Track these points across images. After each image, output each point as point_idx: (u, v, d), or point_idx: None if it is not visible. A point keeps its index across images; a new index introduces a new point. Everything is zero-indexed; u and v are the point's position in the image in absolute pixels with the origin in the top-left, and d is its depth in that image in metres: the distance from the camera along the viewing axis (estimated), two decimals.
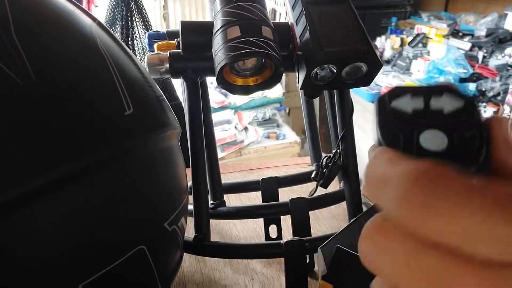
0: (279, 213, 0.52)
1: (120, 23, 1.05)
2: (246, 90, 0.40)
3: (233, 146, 2.10)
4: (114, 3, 1.05)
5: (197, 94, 0.45)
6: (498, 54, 2.57)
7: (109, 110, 0.30)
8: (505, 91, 2.37)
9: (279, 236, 0.54)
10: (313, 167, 0.59)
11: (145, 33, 1.06)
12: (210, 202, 0.51)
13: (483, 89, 2.51)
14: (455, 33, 2.90)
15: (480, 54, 2.66)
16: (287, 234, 0.55)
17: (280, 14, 2.25)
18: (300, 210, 0.48)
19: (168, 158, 0.37)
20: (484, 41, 2.68)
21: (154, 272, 0.33)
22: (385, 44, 3.13)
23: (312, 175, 0.50)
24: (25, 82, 0.26)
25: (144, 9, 1.08)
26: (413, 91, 0.17)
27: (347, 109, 0.46)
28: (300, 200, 0.48)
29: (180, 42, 0.42)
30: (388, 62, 3.04)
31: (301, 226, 0.48)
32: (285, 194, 0.61)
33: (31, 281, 0.26)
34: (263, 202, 0.55)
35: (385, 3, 3.31)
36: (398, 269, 0.13)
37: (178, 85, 0.83)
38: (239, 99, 2.30)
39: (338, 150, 0.46)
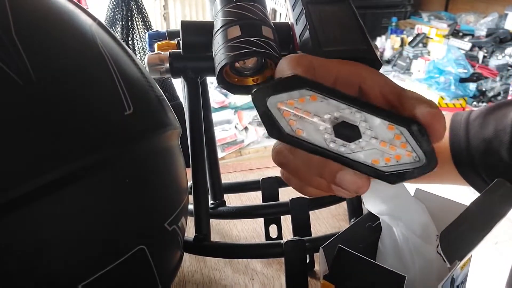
0: (280, 213, 0.52)
1: (120, 23, 1.05)
2: (246, 90, 0.40)
3: (233, 146, 2.10)
4: (115, 2, 1.05)
5: (198, 94, 0.45)
6: (499, 54, 2.57)
7: (109, 110, 0.30)
8: (506, 91, 2.37)
9: (279, 236, 0.54)
10: None
11: (145, 33, 1.06)
12: (210, 202, 0.51)
13: (484, 89, 2.51)
14: (455, 33, 2.90)
15: (481, 54, 2.66)
16: (287, 234, 0.55)
17: (280, 14, 2.25)
18: (300, 210, 0.48)
19: (168, 158, 0.37)
20: (485, 41, 2.68)
21: (154, 272, 0.33)
22: (385, 44, 3.13)
23: None
24: (25, 82, 0.26)
25: (145, 9, 1.08)
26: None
27: None
28: (300, 200, 0.48)
29: (180, 42, 0.42)
30: (388, 62, 3.04)
31: (302, 226, 0.48)
32: (285, 194, 0.61)
33: (30, 281, 0.26)
34: (263, 202, 0.55)
35: (385, 3, 3.31)
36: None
37: (178, 85, 0.82)
38: (239, 99, 2.30)
39: None
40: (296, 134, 0.22)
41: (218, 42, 0.38)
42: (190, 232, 0.45)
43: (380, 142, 0.21)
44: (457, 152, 0.45)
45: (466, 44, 2.69)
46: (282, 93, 0.21)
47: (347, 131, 0.21)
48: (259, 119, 0.22)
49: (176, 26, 2.50)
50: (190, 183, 0.47)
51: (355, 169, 0.22)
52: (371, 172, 0.22)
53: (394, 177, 0.22)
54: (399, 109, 0.23)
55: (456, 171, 0.46)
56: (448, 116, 0.48)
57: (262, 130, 2.22)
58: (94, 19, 0.35)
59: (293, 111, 0.22)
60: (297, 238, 0.43)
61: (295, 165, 0.25)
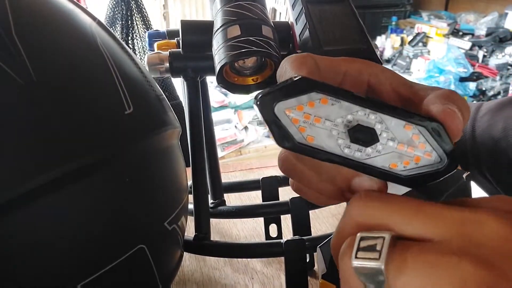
0: (279, 213, 0.52)
1: (120, 22, 1.05)
2: (246, 89, 0.40)
3: (233, 145, 2.10)
4: (114, 2, 1.05)
5: (197, 93, 0.45)
6: (498, 53, 2.57)
7: (109, 109, 0.30)
8: (505, 90, 2.37)
9: (279, 235, 0.54)
10: None
11: (145, 32, 1.06)
12: (210, 201, 0.51)
13: (483, 88, 2.51)
14: (455, 32, 2.90)
15: (480, 53, 2.66)
16: (287, 234, 0.55)
17: (280, 13, 2.25)
18: (300, 210, 0.48)
19: (168, 157, 0.37)
20: (484, 40, 2.68)
21: (154, 271, 0.33)
22: (385, 43, 3.12)
23: None
24: (26, 81, 0.26)
25: (144, 8, 1.08)
26: None
27: None
28: (300, 199, 0.48)
29: (180, 41, 0.42)
30: (388, 61, 3.03)
31: (301, 225, 0.48)
32: (285, 194, 0.61)
33: (30, 280, 0.26)
34: (263, 201, 0.55)
35: (385, 3, 3.31)
36: None
37: (178, 84, 0.82)
38: (239, 99, 2.30)
39: None
40: (308, 142, 0.20)
41: (218, 41, 0.38)
42: (190, 231, 0.45)
43: (397, 144, 0.20)
44: (461, 148, 0.44)
45: (466, 43, 2.69)
46: (289, 98, 0.19)
47: (363, 135, 0.19)
48: (262, 122, 0.20)
49: (176, 25, 2.50)
50: (190, 182, 0.47)
51: (372, 175, 0.20)
52: (389, 177, 0.20)
53: (415, 181, 0.21)
54: (413, 103, 0.22)
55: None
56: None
57: (262, 130, 2.22)
58: (94, 18, 0.35)
59: (302, 117, 0.20)
60: (297, 237, 0.43)
61: (304, 173, 0.23)
